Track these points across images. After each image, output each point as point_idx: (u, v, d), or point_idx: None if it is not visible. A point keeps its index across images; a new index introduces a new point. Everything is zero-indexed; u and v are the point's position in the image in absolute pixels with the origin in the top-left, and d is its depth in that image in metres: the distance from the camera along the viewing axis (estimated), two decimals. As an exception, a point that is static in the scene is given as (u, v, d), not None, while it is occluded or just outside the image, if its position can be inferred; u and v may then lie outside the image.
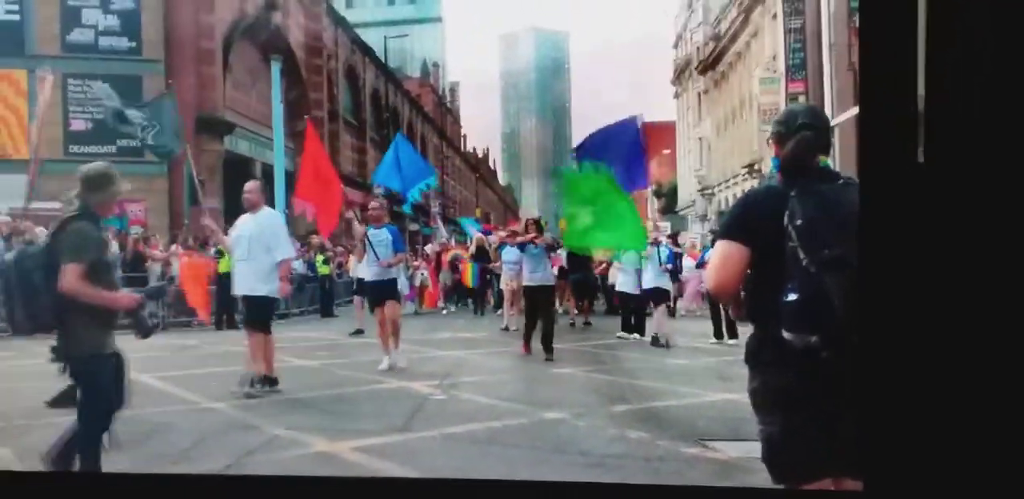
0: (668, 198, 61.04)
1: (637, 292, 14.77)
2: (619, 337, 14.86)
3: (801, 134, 3.59)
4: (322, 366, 11.42)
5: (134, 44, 27.49)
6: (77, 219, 5.20)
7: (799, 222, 3.39)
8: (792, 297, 3.38)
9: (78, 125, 26.63)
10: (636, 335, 14.87)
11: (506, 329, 16.02)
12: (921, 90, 2.48)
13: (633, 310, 15.35)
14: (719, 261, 3.65)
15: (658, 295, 14.31)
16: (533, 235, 12.88)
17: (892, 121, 2.54)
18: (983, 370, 2.53)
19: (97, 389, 5.27)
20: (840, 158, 30.16)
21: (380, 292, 11.20)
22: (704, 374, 10.34)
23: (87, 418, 5.28)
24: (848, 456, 3.28)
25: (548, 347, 11.97)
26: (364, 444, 6.91)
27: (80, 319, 5.17)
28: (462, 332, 14.43)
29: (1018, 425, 2.51)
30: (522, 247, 13.13)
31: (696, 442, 6.86)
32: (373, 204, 11.94)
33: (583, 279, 17.79)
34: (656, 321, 14.20)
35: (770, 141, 3.76)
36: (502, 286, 17.78)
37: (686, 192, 57.68)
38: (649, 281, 14.38)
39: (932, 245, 2.53)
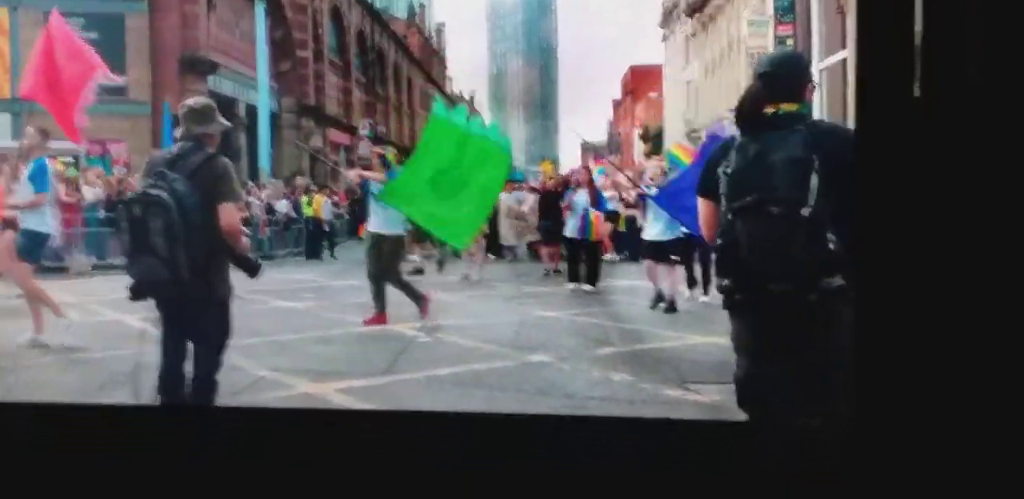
0: (654, 141, 60.84)
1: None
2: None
3: (752, 84, 3.70)
4: (306, 308, 11.41)
5: (116, -19, 27.03)
6: (217, 155, 5.22)
7: (729, 170, 3.55)
8: (717, 243, 3.60)
9: (60, 64, 26.29)
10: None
11: (466, 278, 14.84)
12: (918, 25, 2.44)
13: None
14: (700, 216, 3.88)
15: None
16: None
17: (888, 56, 2.50)
18: (979, 314, 2.51)
19: (229, 332, 5.36)
20: (827, 100, 30.10)
21: None
22: (688, 318, 10.36)
23: (218, 360, 5.33)
24: (803, 402, 3.53)
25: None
26: (348, 386, 6.94)
27: (226, 262, 5.20)
28: (448, 274, 14.40)
29: (1008, 377, 2.50)
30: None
31: (679, 385, 6.89)
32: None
33: (552, 226, 16.50)
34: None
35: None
36: None
37: (673, 136, 57.48)
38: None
39: (929, 182, 2.50)
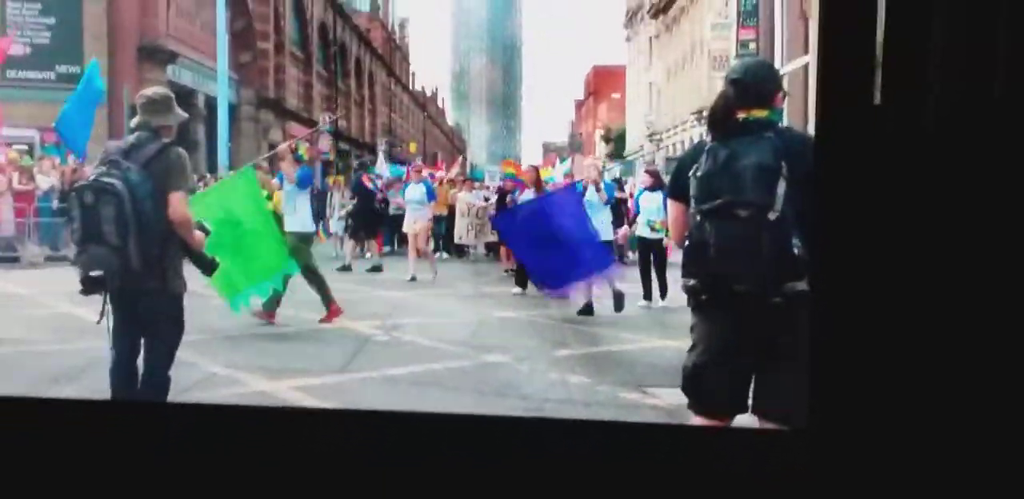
0: (617, 143, 61.06)
1: None
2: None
3: (723, 90, 3.81)
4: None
5: (75, -34, 26.68)
6: (172, 145, 5.13)
7: (699, 174, 3.63)
8: (686, 244, 3.70)
9: (16, 49, 25.91)
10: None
11: (413, 279, 14.25)
12: (880, 33, 2.46)
13: None
14: (670, 218, 4.03)
15: None
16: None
17: (849, 63, 2.51)
18: (939, 317, 2.53)
19: (182, 326, 5.24)
20: (788, 105, 30.35)
21: None
22: (645, 321, 10.38)
23: (170, 355, 5.24)
24: (754, 399, 3.69)
25: None
26: (303, 383, 6.89)
27: (179, 254, 5.12)
28: (405, 273, 14.34)
29: (970, 377, 2.51)
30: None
31: (636, 388, 6.90)
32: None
33: None
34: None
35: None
36: (404, 228, 15.55)
37: (635, 137, 57.72)
38: None
39: (888, 187, 2.51)
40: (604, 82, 70.18)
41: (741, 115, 3.71)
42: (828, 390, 2.65)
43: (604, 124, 67.46)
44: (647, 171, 13.12)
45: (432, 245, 17.08)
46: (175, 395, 5.32)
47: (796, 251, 3.44)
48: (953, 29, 2.44)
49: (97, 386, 5.54)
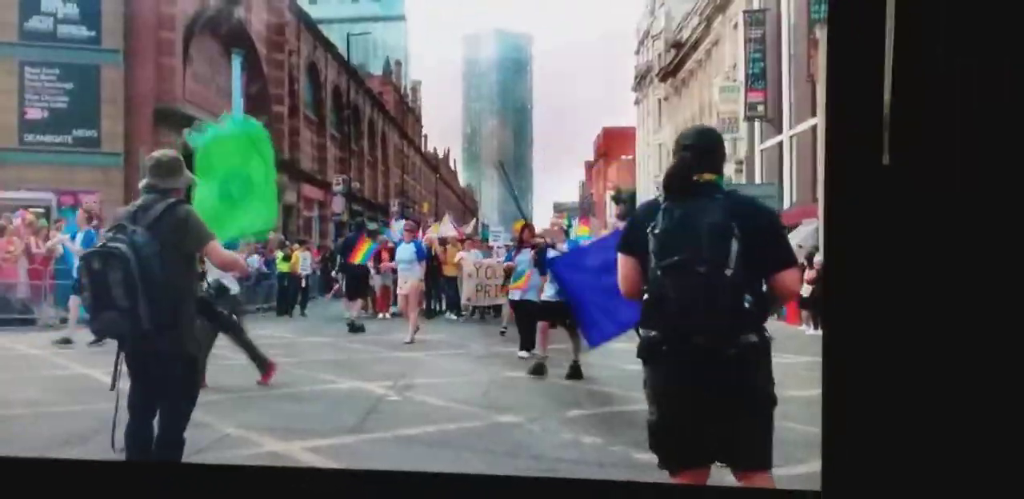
0: (627, 204, 61.18)
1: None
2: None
3: (680, 155, 4.04)
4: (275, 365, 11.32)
5: (93, 33, 27.14)
6: (178, 204, 5.15)
7: (657, 231, 3.81)
8: (644, 297, 3.87)
9: (34, 113, 26.30)
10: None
11: (411, 342, 13.93)
12: (887, 95, 2.49)
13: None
14: (621, 273, 4.12)
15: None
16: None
17: (857, 125, 2.55)
18: (944, 370, 2.54)
19: (197, 387, 5.31)
20: (796, 166, 30.44)
21: None
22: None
23: (184, 416, 5.23)
24: (718, 447, 3.84)
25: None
26: (316, 444, 6.87)
27: (193, 315, 5.13)
28: (418, 333, 14.31)
29: (979, 423, 2.52)
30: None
31: (649, 449, 6.84)
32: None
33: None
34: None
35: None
36: (398, 290, 15.60)
37: (645, 198, 57.83)
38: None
39: (897, 247, 2.54)
40: (614, 143, 70.49)
41: (695, 177, 3.95)
42: (839, 455, 2.66)
43: (615, 185, 67.65)
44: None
45: (423, 304, 16.95)
46: (189, 456, 5.32)
47: (747, 305, 3.68)
48: (962, 89, 2.49)
49: (110, 447, 5.54)
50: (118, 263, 4.77)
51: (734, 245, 3.66)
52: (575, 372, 10.37)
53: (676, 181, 3.98)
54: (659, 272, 3.77)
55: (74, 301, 12.38)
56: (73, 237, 13.42)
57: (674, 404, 3.90)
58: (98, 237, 8.80)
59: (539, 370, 10.50)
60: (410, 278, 14.71)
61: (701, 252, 3.70)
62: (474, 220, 32.96)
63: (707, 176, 3.94)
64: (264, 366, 9.53)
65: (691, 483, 3.90)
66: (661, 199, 3.99)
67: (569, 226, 14.01)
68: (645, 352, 3.91)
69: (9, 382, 9.52)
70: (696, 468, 3.93)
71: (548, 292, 10.66)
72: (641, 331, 3.89)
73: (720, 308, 3.66)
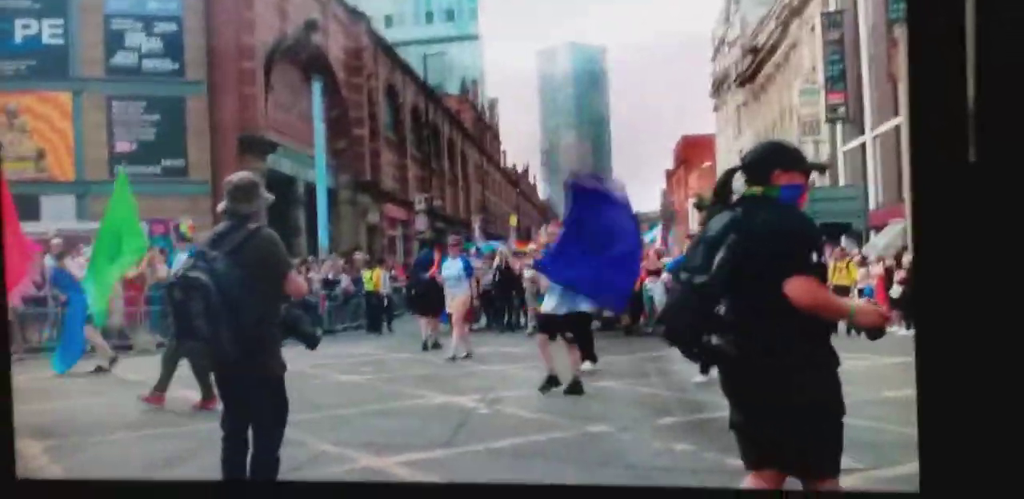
0: (709, 211, 60.69)
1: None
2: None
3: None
4: (367, 381, 11.44)
5: (177, 66, 27.78)
6: (259, 229, 5.19)
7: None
8: None
9: (123, 146, 26.97)
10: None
11: (453, 359, 13.68)
12: (971, 90, 2.47)
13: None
14: None
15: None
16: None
17: (941, 122, 2.53)
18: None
19: (286, 407, 5.30)
20: (880, 166, 29.97)
21: None
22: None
23: (277, 436, 5.28)
24: (774, 451, 3.92)
25: None
26: (409, 459, 6.94)
27: (278, 337, 5.19)
28: (504, 346, 14.36)
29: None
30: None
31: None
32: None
33: None
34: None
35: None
36: (446, 307, 14.80)
37: (727, 205, 57.29)
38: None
39: (986, 244, 2.51)
40: (694, 151, 70.03)
41: (732, 192, 4.11)
42: (936, 455, 2.63)
43: (696, 193, 67.20)
44: (690, 236, 12.03)
45: (474, 320, 16.66)
46: (287, 473, 5.41)
47: (720, 311, 3.86)
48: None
49: (210, 467, 5.67)
50: (199, 294, 4.83)
51: (721, 254, 3.79)
52: (576, 387, 9.98)
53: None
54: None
55: (89, 330, 12.76)
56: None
57: (730, 404, 4.18)
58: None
59: (550, 383, 10.07)
60: (458, 294, 14.28)
61: (691, 261, 3.97)
62: (546, 226, 32.88)
63: (753, 189, 4.00)
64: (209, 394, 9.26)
65: (761, 484, 3.98)
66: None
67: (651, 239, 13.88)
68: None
69: (109, 406, 9.76)
70: (761, 470, 4.01)
71: (547, 304, 10.34)
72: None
73: (684, 311, 3.96)
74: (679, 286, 4.04)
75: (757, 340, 3.81)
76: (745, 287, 3.78)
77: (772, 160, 4.05)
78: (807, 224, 3.94)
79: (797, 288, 3.70)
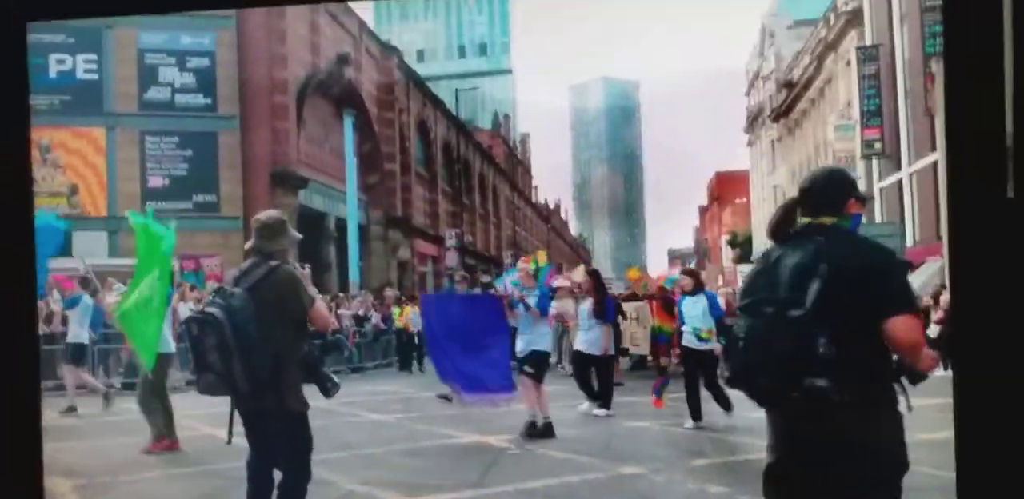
0: (743, 247, 60.59)
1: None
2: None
3: (789, 198, 3.98)
4: (397, 420, 11.37)
5: (209, 100, 28.13)
6: (279, 267, 5.18)
7: (747, 275, 3.87)
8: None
9: (155, 181, 27.25)
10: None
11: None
12: (1009, 126, 2.41)
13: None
14: None
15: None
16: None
17: (979, 158, 2.46)
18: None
19: (308, 443, 5.25)
20: (917, 203, 29.78)
21: None
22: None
23: (300, 473, 5.24)
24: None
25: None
26: (439, 499, 6.85)
27: (295, 374, 5.15)
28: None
29: None
30: None
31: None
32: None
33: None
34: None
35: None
36: None
37: (761, 241, 57.23)
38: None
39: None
40: (727, 187, 70.10)
41: (804, 220, 3.84)
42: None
43: (730, 229, 67.12)
44: (684, 272, 11.68)
45: None
46: (315, 514, 5.34)
47: (821, 349, 3.44)
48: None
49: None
50: (212, 329, 4.84)
51: (814, 285, 3.48)
52: (538, 429, 9.73)
53: (771, 226, 3.94)
54: (738, 312, 3.79)
55: (66, 370, 12.97)
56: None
57: (773, 451, 3.87)
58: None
59: (533, 428, 9.76)
60: None
61: (775, 293, 3.61)
62: (583, 269, 32.92)
63: (823, 219, 3.77)
64: (159, 436, 9.24)
65: None
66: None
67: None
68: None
69: (139, 446, 9.73)
70: None
71: (518, 346, 10.22)
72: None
73: (780, 349, 3.51)
74: (757, 322, 3.62)
75: (853, 381, 3.47)
76: (839, 323, 3.46)
77: (847, 189, 3.92)
78: (902, 259, 3.83)
79: (903, 326, 3.47)
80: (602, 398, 11.85)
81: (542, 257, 17.29)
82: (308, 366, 5.26)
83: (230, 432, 5.13)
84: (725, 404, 10.32)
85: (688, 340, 10.50)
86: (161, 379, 9.59)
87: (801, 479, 3.72)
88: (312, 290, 5.41)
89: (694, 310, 10.45)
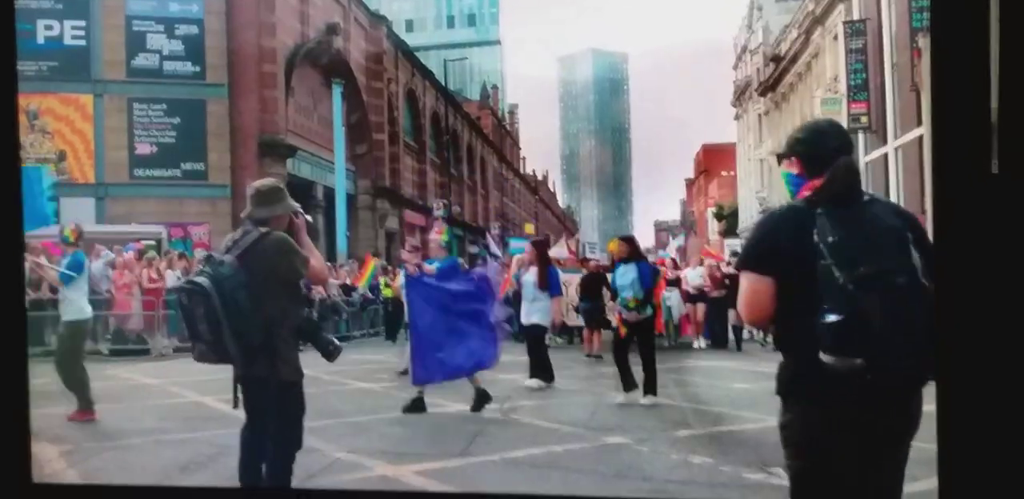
0: (729, 220, 60.67)
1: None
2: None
3: (843, 160, 3.39)
4: (383, 389, 11.42)
5: (198, 68, 27.95)
6: (269, 233, 5.11)
7: (831, 239, 3.17)
8: (831, 318, 3.12)
9: (143, 149, 27.12)
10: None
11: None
12: (994, 101, 2.44)
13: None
14: (747, 295, 3.46)
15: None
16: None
17: (964, 133, 2.50)
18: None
19: (301, 413, 5.24)
20: (902, 177, 29.84)
21: None
22: (768, 399, 10.14)
23: (290, 442, 5.22)
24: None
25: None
26: (425, 468, 6.90)
27: (289, 343, 5.14)
28: (521, 356, 14.30)
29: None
30: None
31: (760, 468, 6.74)
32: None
33: (591, 308, 15.68)
34: None
35: (790, 159, 3.58)
36: None
37: (747, 214, 57.31)
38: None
39: (1009, 257, 2.47)
40: (714, 160, 70.06)
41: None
42: (956, 472, 2.59)
43: (716, 201, 67.17)
44: (622, 238, 11.13)
45: None
46: (301, 481, 5.39)
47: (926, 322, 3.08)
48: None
49: (226, 473, 5.66)
50: (201, 299, 4.81)
51: (914, 253, 3.13)
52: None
53: (849, 184, 3.37)
54: (851, 287, 3.09)
55: None
56: None
57: (850, 449, 3.25)
58: None
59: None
60: None
61: (894, 261, 3.12)
62: (575, 240, 32.94)
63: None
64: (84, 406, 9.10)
65: None
66: (805, 205, 3.36)
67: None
68: (832, 383, 3.16)
69: (126, 411, 9.76)
70: None
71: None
72: (829, 358, 3.12)
73: (921, 327, 3.04)
74: (889, 295, 3.07)
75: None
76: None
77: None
78: None
79: None
80: (541, 371, 11.78)
81: (529, 229, 17.26)
82: (308, 331, 5.27)
83: (235, 397, 5.14)
84: (652, 386, 10.11)
85: (618, 309, 10.43)
86: (79, 347, 9.49)
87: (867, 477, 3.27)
88: (307, 244, 5.34)
89: (623, 279, 10.30)
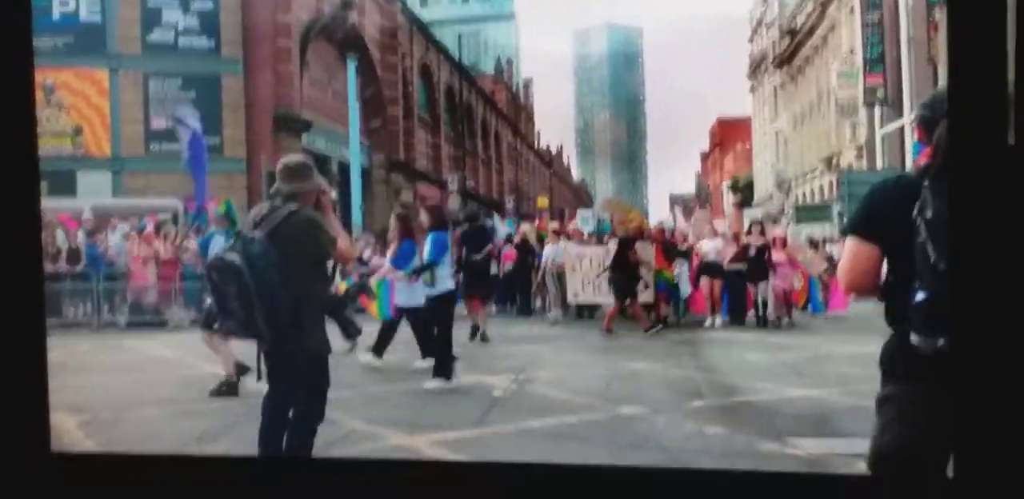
0: (744, 193, 60.50)
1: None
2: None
3: (941, 127, 3.16)
4: (399, 360, 11.47)
5: (213, 43, 27.92)
6: (299, 211, 5.14)
7: (929, 215, 3.05)
8: (920, 297, 3.06)
9: (159, 123, 27.12)
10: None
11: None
12: (1011, 73, 2.44)
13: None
14: (848, 260, 3.41)
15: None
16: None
17: (981, 105, 2.49)
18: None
19: (326, 386, 5.32)
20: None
21: None
22: (782, 370, 10.20)
23: (313, 415, 5.31)
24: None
25: None
26: (440, 438, 6.96)
27: (318, 318, 5.20)
28: (536, 327, 14.40)
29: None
30: None
31: (775, 438, 6.78)
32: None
33: (620, 279, 14.60)
34: None
35: (915, 125, 3.47)
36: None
37: (763, 186, 57.15)
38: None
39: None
40: (729, 133, 69.78)
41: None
42: (968, 443, 2.60)
43: (731, 174, 66.98)
44: (424, 207, 11.08)
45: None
46: (317, 450, 5.44)
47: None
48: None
49: (243, 443, 5.71)
50: (232, 277, 4.84)
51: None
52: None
53: (946, 157, 3.10)
54: (942, 266, 2.98)
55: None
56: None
57: (931, 431, 3.15)
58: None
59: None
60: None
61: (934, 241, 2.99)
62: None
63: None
64: None
65: None
66: (917, 177, 3.20)
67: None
68: (923, 362, 3.09)
69: (143, 382, 9.84)
70: None
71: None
72: (916, 338, 3.07)
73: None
74: (938, 273, 2.97)
75: None
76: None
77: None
78: None
79: None
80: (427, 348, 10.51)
81: (542, 202, 17.23)
82: (334, 309, 5.31)
83: (259, 369, 5.19)
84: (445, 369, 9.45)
85: (422, 287, 9.95)
86: None
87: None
88: (335, 222, 5.40)
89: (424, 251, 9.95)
